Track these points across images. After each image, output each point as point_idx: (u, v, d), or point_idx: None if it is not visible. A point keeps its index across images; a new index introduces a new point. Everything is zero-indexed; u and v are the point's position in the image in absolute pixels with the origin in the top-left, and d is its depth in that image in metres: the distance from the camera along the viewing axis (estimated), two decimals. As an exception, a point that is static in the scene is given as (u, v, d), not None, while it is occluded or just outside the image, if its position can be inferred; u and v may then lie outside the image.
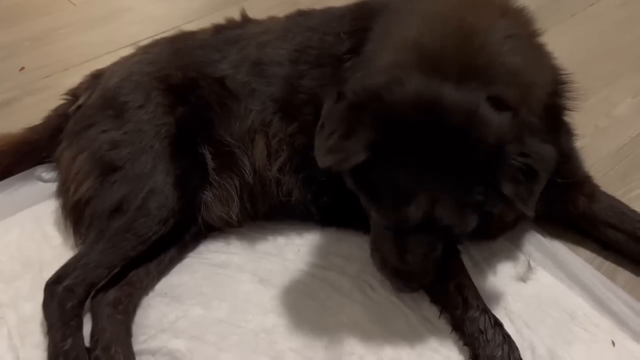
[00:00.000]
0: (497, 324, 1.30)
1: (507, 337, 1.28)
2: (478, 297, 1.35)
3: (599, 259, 1.52)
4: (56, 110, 1.67)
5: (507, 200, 1.09)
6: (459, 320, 1.33)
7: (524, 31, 1.29)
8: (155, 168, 1.41)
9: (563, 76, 1.39)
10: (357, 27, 1.45)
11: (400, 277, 1.30)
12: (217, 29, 1.64)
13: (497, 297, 1.42)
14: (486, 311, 1.32)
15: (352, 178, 1.20)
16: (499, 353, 1.26)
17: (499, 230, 1.51)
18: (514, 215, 1.44)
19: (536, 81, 1.23)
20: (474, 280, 1.40)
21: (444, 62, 1.13)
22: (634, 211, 1.52)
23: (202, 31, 1.67)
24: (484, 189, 1.11)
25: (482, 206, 1.15)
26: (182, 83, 1.51)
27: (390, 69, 1.17)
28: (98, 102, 1.53)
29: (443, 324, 1.37)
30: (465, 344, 1.32)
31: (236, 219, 1.52)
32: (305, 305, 1.41)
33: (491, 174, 1.08)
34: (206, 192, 1.47)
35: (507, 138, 1.08)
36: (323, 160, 1.12)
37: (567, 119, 1.43)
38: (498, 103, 1.10)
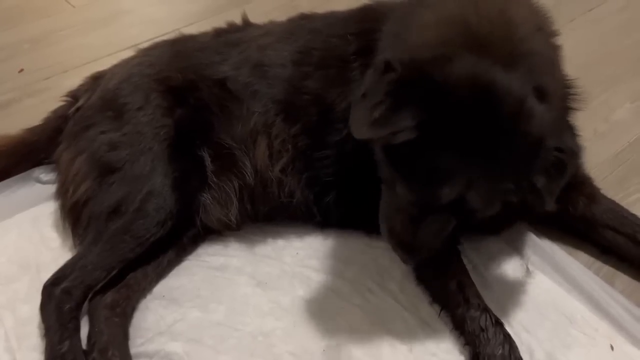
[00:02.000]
0: (498, 323, 1.30)
1: (507, 336, 1.29)
2: (478, 296, 1.36)
3: (598, 263, 1.53)
4: (55, 111, 1.67)
5: (537, 192, 1.09)
6: (459, 319, 1.33)
7: (547, 27, 1.30)
8: (154, 170, 1.41)
9: (568, 80, 1.40)
10: (364, 29, 1.45)
11: (407, 249, 1.26)
12: (218, 33, 1.64)
13: (495, 300, 1.42)
14: (487, 310, 1.32)
15: (385, 150, 1.17)
16: (500, 352, 1.26)
17: (503, 226, 1.51)
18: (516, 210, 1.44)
19: (562, 77, 1.26)
20: (472, 283, 1.40)
21: (493, 46, 1.11)
22: (634, 215, 1.53)
23: (203, 34, 1.67)
24: (516, 178, 1.11)
25: (509, 195, 1.15)
26: (182, 85, 1.51)
27: (434, 45, 1.14)
28: (97, 104, 1.53)
29: (442, 327, 1.37)
30: (466, 343, 1.32)
31: (235, 221, 1.52)
32: (304, 309, 1.41)
33: (528, 164, 1.08)
34: (205, 195, 1.47)
35: (547, 131, 1.08)
36: (364, 131, 1.08)
37: (571, 121, 1.43)
38: (540, 94, 1.10)
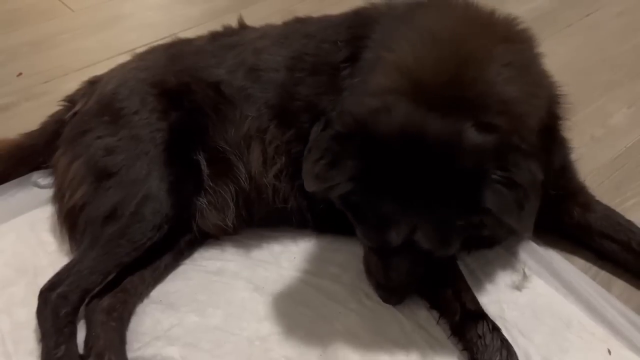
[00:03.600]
0: (495, 329, 1.30)
1: (505, 342, 1.29)
2: (475, 302, 1.36)
3: (595, 268, 1.53)
4: (53, 116, 1.67)
5: (493, 215, 1.09)
6: (457, 325, 1.33)
7: (524, 57, 1.29)
8: (150, 174, 1.41)
9: (559, 95, 1.39)
10: (354, 35, 1.46)
11: (383, 290, 1.35)
12: (214, 36, 1.65)
13: (492, 305, 1.42)
14: (484, 316, 1.32)
15: (339, 199, 1.22)
16: (498, 358, 1.27)
17: (495, 240, 1.51)
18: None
19: (530, 111, 1.22)
20: (469, 288, 1.40)
21: (434, 93, 1.13)
22: (629, 221, 1.52)
23: (199, 38, 1.68)
24: (464, 213, 1.13)
25: (465, 230, 1.18)
26: (176, 88, 1.51)
27: (382, 94, 1.18)
28: (94, 108, 1.53)
29: (439, 332, 1.37)
30: (464, 349, 1.32)
31: (232, 225, 1.52)
32: (300, 314, 1.41)
33: (472, 193, 1.08)
34: (201, 199, 1.47)
35: (488, 157, 1.08)
36: (309, 185, 1.15)
37: (562, 133, 1.43)
38: (485, 127, 1.10)
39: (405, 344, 1.35)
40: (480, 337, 1.29)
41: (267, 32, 1.62)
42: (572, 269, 1.51)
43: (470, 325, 1.31)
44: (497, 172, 1.07)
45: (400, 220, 1.14)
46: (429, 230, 1.15)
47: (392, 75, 1.21)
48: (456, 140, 1.08)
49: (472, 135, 1.09)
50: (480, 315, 1.32)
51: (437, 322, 1.38)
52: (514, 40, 1.30)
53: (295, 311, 1.41)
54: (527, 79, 1.25)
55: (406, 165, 1.10)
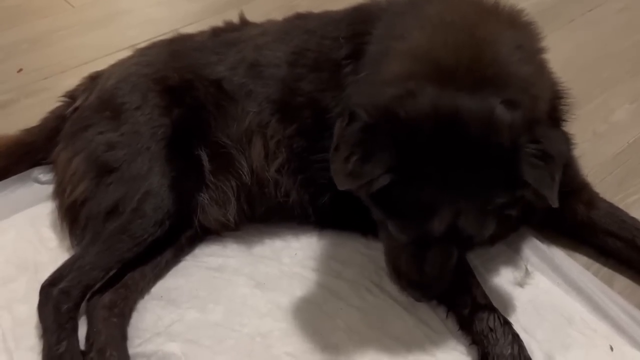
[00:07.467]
0: (506, 323, 1.30)
1: (516, 336, 1.29)
2: (486, 296, 1.36)
3: (597, 265, 1.52)
4: (53, 112, 1.67)
5: (533, 189, 1.10)
6: (467, 319, 1.33)
7: (531, 46, 1.30)
8: (151, 170, 1.41)
9: (560, 90, 1.40)
10: (355, 32, 1.45)
11: (417, 288, 1.29)
12: (215, 32, 1.64)
13: (494, 301, 1.41)
14: (495, 310, 1.32)
15: (370, 195, 1.18)
16: (509, 351, 1.26)
17: (497, 236, 1.51)
18: (512, 220, 1.45)
19: (541, 94, 1.24)
20: (471, 284, 1.39)
21: (457, 74, 1.13)
22: (633, 218, 1.52)
23: (200, 34, 1.67)
24: (505, 190, 1.12)
25: (501, 210, 1.16)
26: (179, 85, 1.51)
27: (401, 81, 1.16)
28: (95, 104, 1.53)
29: (441, 328, 1.37)
30: (474, 342, 1.31)
31: (233, 221, 1.51)
32: (302, 310, 1.41)
33: (510, 169, 1.08)
34: (202, 194, 1.47)
35: (520, 132, 1.09)
36: (343, 183, 1.10)
37: (564, 129, 1.43)
38: (511, 104, 1.11)
39: (407, 340, 1.35)
40: (491, 330, 1.28)
41: (268, 29, 1.62)
42: (575, 265, 1.51)
43: (480, 318, 1.30)
44: (530, 145, 1.08)
45: (443, 206, 1.11)
46: (472, 214, 1.12)
47: (408, 62, 1.20)
48: (490, 118, 1.08)
49: (503, 112, 1.09)
50: (491, 308, 1.32)
51: (447, 316, 1.37)
52: (521, 29, 1.31)
53: (296, 307, 1.41)
54: (535, 65, 1.26)
55: (442, 148, 1.08)
